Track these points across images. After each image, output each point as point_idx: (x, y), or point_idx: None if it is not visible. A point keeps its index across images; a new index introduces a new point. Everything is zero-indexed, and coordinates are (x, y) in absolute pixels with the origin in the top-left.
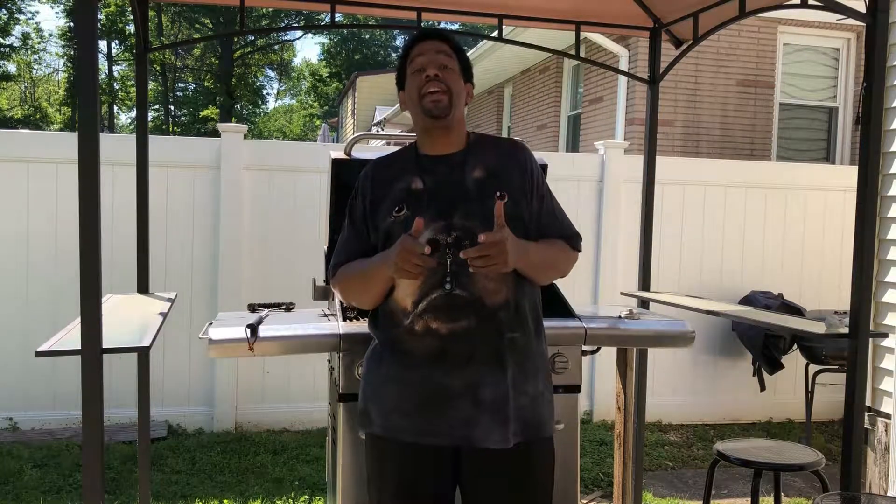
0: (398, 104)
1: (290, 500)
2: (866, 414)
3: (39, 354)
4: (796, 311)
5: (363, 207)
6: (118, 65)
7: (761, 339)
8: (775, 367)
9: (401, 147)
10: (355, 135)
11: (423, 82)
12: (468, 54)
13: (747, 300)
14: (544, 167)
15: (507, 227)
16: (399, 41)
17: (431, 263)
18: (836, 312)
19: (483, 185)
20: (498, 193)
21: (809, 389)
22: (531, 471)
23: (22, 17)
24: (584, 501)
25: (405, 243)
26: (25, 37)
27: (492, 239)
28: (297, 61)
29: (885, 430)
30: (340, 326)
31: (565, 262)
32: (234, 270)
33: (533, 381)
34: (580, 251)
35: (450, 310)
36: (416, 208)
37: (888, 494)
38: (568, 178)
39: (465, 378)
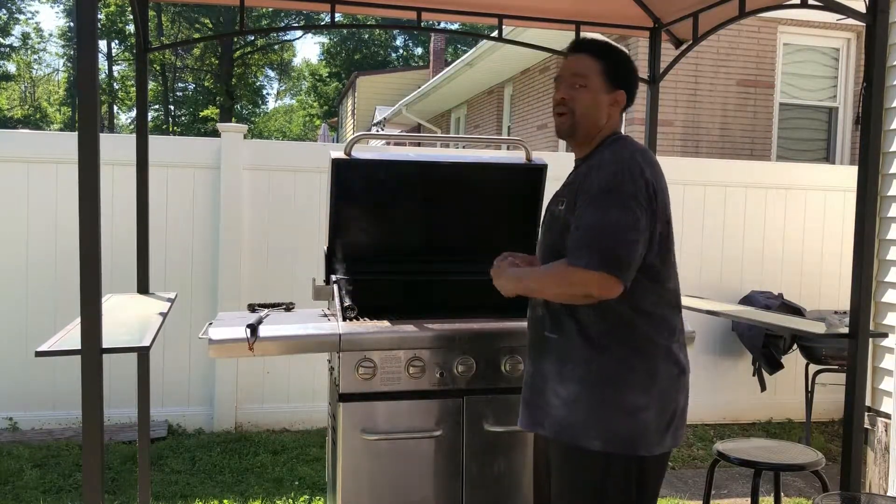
0: (398, 104)
1: (290, 500)
2: (866, 414)
3: (39, 354)
4: (796, 311)
5: None
6: (118, 65)
7: (761, 339)
8: (775, 366)
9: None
10: (355, 135)
11: (555, 102)
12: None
13: (747, 300)
14: (544, 167)
15: (501, 263)
16: (399, 41)
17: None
18: (836, 312)
19: (553, 221)
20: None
21: (809, 389)
22: (558, 473)
23: (22, 17)
24: None
25: None
26: (25, 37)
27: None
28: (296, 61)
29: (885, 430)
30: (340, 326)
31: (557, 279)
32: (234, 270)
33: (570, 386)
34: (582, 266)
35: (529, 301)
36: None
37: (888, 494)
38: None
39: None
